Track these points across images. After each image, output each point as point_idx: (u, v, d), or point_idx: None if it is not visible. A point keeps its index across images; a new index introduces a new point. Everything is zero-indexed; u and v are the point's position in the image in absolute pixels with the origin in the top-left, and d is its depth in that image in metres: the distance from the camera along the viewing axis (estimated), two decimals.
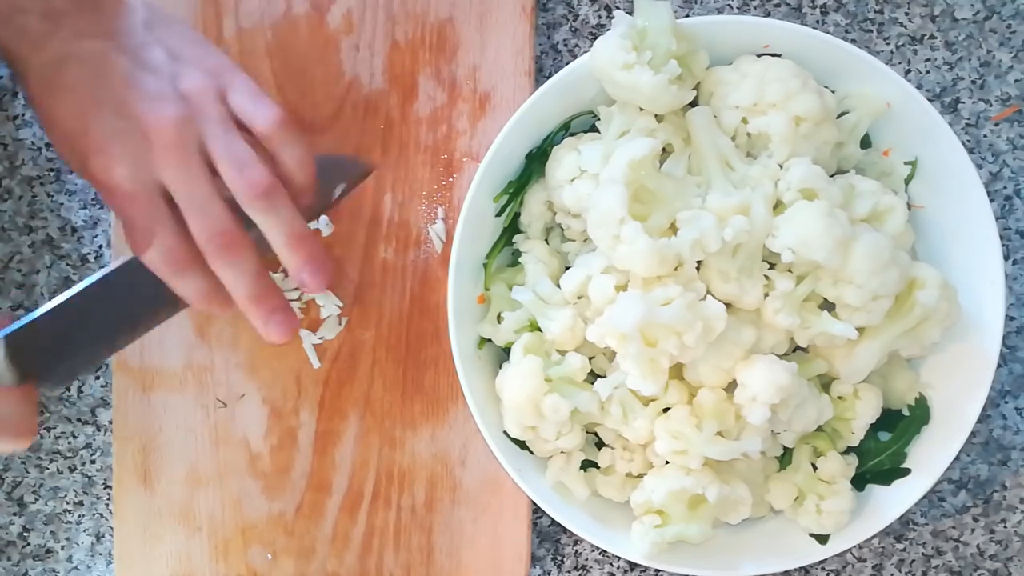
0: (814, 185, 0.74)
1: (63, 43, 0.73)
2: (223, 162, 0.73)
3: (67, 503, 0.92)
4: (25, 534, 0.92)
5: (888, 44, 0.92)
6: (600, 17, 0.93)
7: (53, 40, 0.73)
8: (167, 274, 0.74)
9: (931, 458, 0.80)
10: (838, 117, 0.80)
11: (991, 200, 0.79)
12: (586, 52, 0.79)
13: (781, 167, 0.76)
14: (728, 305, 0.75)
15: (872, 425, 0.81)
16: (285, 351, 0.89)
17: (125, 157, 0.72)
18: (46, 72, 0.74)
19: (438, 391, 0.90)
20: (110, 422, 0.91)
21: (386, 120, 0.91)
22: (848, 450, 0.82)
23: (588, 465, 0.83)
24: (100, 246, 0.92)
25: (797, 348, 0.80)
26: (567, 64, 0.81)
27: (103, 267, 0.91)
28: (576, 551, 0.91)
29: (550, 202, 0.82)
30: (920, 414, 0.81)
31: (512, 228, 0.83)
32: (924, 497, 0.80)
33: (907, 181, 0.82)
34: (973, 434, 0.80)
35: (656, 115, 0.78)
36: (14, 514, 0.92)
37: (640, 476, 0.80)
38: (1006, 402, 0.91)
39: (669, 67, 0.75)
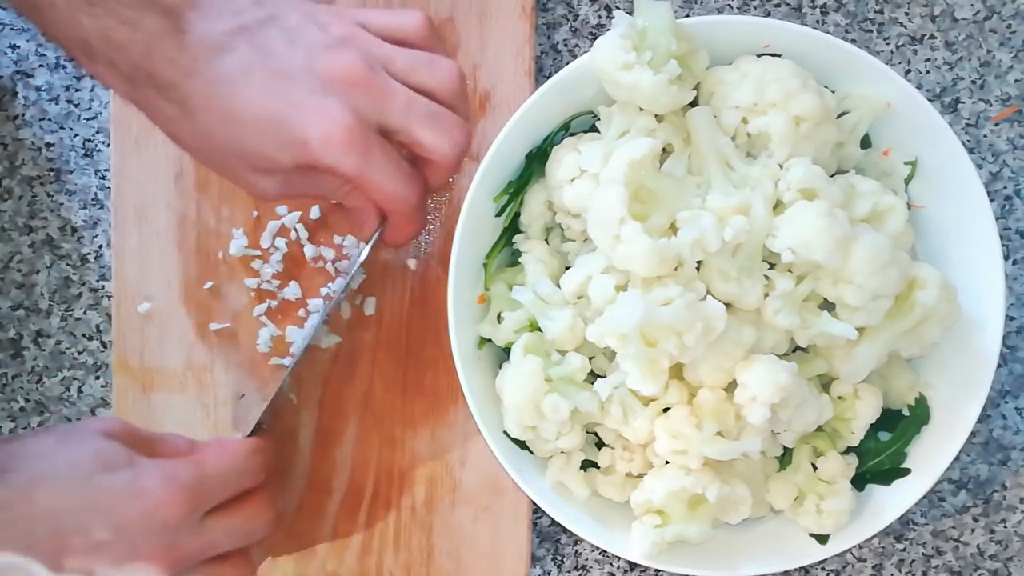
0: (814, 185, 0.74)
1: (205, 42, 0.73)
2: (409, 76, 0.78)
3: None
4: None
5: (888, 44, 0.92)
6: (600, 17, 0.93)
7: (189, 46, 0.73)
8: (415, 206, 0.79)
9: (931, 458, 0.80)
10: (838, 117, 0.80)
11: (991, 200, 0.79)
12: (586, 52, 0.79)
13: (781, 167, 0.76)
14: (728, 305, 0.75)
15: (872, 425, 0.81)
16: (284, 350, 0.89)
17: (343, 107, 0.74)
18: (204, 77, 0.73)
19: (438, 391, 0.90)
20: None
21: None
22: (848, 450, 0.82)
23: (588, 465, 0.83)
24: (100, 246, 0.92)
25: (797, 348, 0.80)
26: (567, 64, 0.81)
27: (103, 267, 0.91)
28: (576, 551, 0.91)
29: (550, 202, 0.82)
30: (920, 414, 0.81)
31: (512, 228, 0.83)
32: (924, 497, 0.80)
33: (907, 181, 0.82)
34: (973, 434, 0.80)
35: (656, 115, 0.78)
36: None
37: (640, 476, 0.80)
38: (1006, 402, 0.91)
39: (669, 67, 0.75)
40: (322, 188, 0.79)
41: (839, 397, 0.80)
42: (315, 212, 0.90)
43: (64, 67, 0.92)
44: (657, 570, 0.90)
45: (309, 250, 0.89)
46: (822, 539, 0.81)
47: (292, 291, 0.90)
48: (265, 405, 0.84)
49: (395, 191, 0.78)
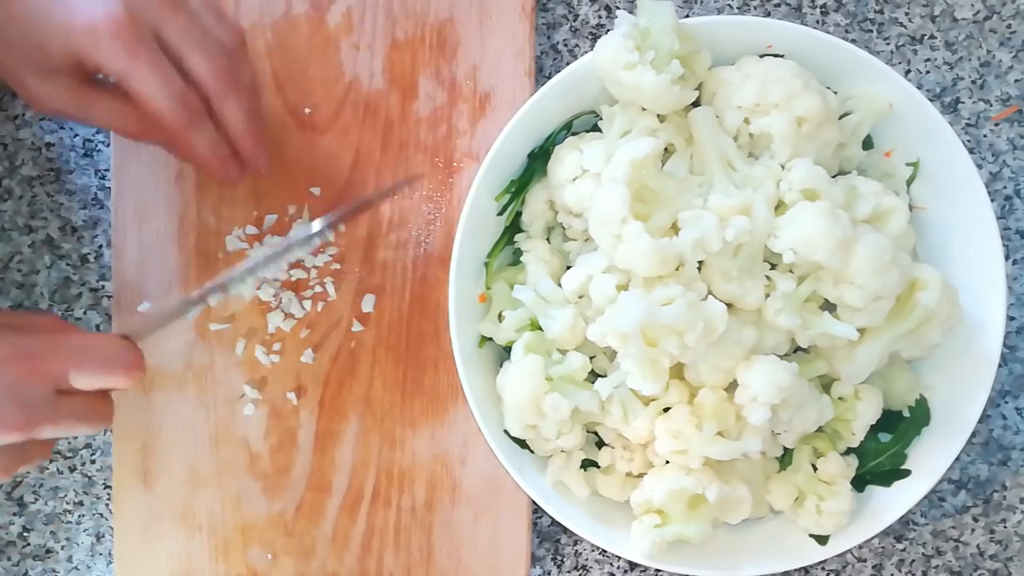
0: (816, 186, 0.74)
1: None
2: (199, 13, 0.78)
3: (67, 503, 0.92)
4: (25, 534, 0.92)
5: (888, 44, 0.92)
6: (600, 17, 0.93)
7: None
8: (184, 124, 0.77)
9: (931, 459, 0.80)
10: (840, 118, 0.80)
11: (991, 200, 0.79)
12: (586, 52, 0.79)
13: (783, 168, 0.76)
14: (729, 305, 0.75)
15: (872, 426, 0.81)
16: (284, 350, 0.89)
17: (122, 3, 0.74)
18: None
19: (438, 391, 0.90)
20: None
21: (386, 120, 0.91)
22: (848, 451, 0.82)
23: (588, 464, 0.83)
24: (100, 246, 0.92)
25: (798, 349, 0.80)
26: (567, 64, 0.81)
27: (103, 267, 0.91)
28: (576, 551, 0.91)
29: (552, 201, 0.82)
30: (920, 415, 0.81)
31: (514, 227, 0.83)
32: (924, 497, 0.80)
33: (909, 182, 0.82)
34: (973, 434, 0.80)
35: (658, 115, 0.78)
36: (14, 514, 0.92)
37: (640, 476, 0.80)
38: (1006, 402, 0.91)
39: (672, 67, 0.75)
40: (100, 108, 0.78)
41: (840, 398, 0.80)
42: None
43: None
44: (657, 570, 0.90)
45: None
46: (822, 540, 0.81)
47: (290, 294, 0.90)
48: (161, 314, 0.83)
49: (161, 103, 0.76)
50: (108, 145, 0.92)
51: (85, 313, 0.91)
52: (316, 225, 0.82)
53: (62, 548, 0.92)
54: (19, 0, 0.74)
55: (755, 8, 0.93)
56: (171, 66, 0.77)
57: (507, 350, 0.82)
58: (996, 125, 0.92)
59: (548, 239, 0.84)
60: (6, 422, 0.73)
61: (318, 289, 0.90)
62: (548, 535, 0.91)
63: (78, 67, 0.76)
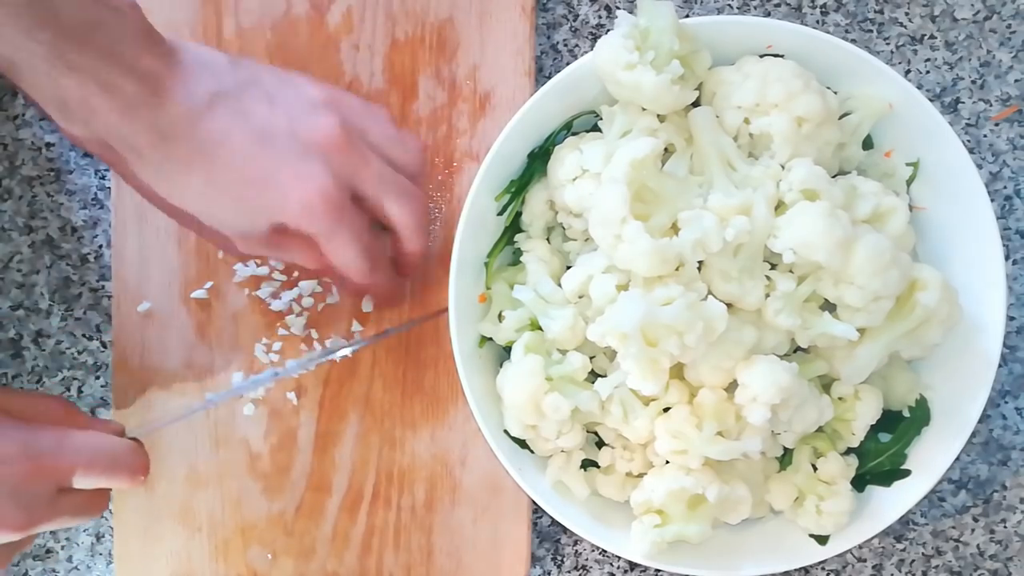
0: (816, 186, 0.74)
1: (184, 106, 0.74)
2: (382, 146, 0.81)
3: None
4: None
5: (888, 44, 0.92)
6: (600, 17, 0.93)
7: (168, 111, 0.73)
8: (369, 272, 0.80)
9: (931, 459, 0.80)
10: (840, 118, 0.80)
11: (991, 200, 0.79)
12: (586, 52, 0.79)
13: (783, 168, 0.76)
14: (729, 305, 0.75)
15: (872, 426, 0.81)
16: (284, 350, 0.89)
17: (325, 171, 0.75)
18: (184, 141, 0.74)
19: (438, 391, 0.90)
20: None
21: None
22: (848, 451, 0.82)
23: (588, 464, 0.83)
24: (100, 246, 0.92)
25: (798, 349, 0.80)
26: (567, 64, 0.81)
27: (103, 267, 0.91)
28: (576, 551, 0.91)
29: (552, 201, 0.82)
30: (920, 415, 0.81)
31: (514, 227, 0.83)
32: (924, 497, 0.80)
33: (909, 182, 0.82)
34: (973, 434, 0.80)
35: (658, 115, 0.78)
36: None
37: (640, 476, 0.80)
38: (1006, 402, 0.91)
39: (672, 67, 0.75)
40: (288, 254, 0.80)
41: (839, 398, 0.80)
42: None
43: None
44: (657, 570, 0.90)
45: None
46: (822, 540, 0.81)
47: (291, 294, 0.90)
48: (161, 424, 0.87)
49: (352, 262, 0.79)
50: None
51: (85, 313, 0.91)
52: (347, 351, 0.88)
53: (62, 548, 0.92)
54: (228, 174, 0.75)
55: (755, 8, 0.93)
56: (365, 224, 0.80)
57: (507, 350, 0.82)
58: (996, 125, 0.92)
59: (548, 239, 0.84)
60: (6, 522, 0.73)
61: (318, 289, 0.90)
62: (548, 535, 0.91)
63: (275, 228, 0.78)
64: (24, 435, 0.75)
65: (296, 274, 0.90)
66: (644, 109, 0.78)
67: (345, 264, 0.80)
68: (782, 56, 0.79)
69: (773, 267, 0.76)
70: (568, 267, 0.82)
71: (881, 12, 0.92)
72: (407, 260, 0.84)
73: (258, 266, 0.89)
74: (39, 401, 0.81)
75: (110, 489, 0.83)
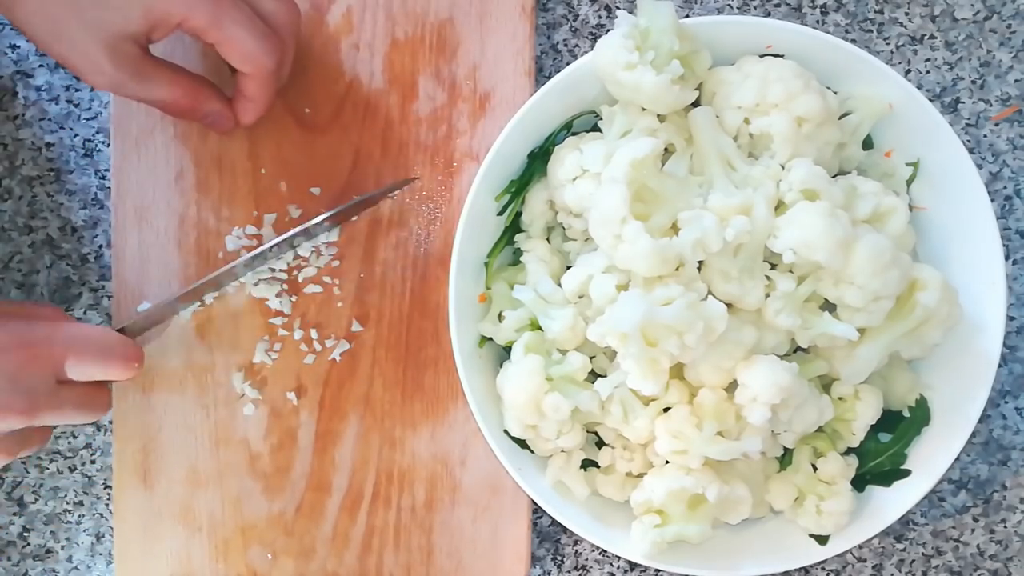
0: (816, 186, 0.74)
1: None
2: None
3: (67, 503, 0.92)
4: (25, 534, 0.92)
5: (888, 44, 0.92)
6: (600, 17, 0.93)
7: None
8: (276, 66, 0.81)
9: (931, 459, 0.80)
10: (840, 118, 0.80)
11: (991, 200, 0.79)
12: (586, 52, 0.79)
13: (783, 168, 0.76)
14: (729, 305, 0.75)
15: (872, 426, 0.81)
16: (284, 350, 0.89)
17: None
18: None
19: (438, 391, 0.90)
20: (110, 422, 0.91)
21: (386, 120, 0.91)
22: (848, 451, 0.82)
23: (588, 464, 0.83)
24: (100, 246, 0.92)
25: (798, 349, 0.80)
26: (567, 64, 0.81)
27: (103, 267, 0.91)
28: (576, 551, 0.91)
29: (552, 201, 0.82)
30: (920, 415, 0.81)
31: (514, 227, 0.84)
32: (924, 497, 0.80)
33: (909, 182, 0.82)
34: (973, 434, 0.81)
35: (658, 115, 0.78)
36: (14, 514, 0.92)
37: (640, 476, 0.80)
38: (1006, 402, 0.91)
39: (672, 67, 0.75)
40: (159, 79, 0.80)
41: (840, 398, 0.80)
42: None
43: (63, 67, 0.91)
44: (657, 570, 0.90)
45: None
46: (822, 540, 0.81)
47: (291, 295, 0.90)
48: (159, 314, 0.86)
49: (254, 47, 0.79)
50: (108, 145, 0.92)
51: (85, 313, 0.91)
52: (307, 223, 0.84)
53: (62, 548, 0.92)
54: None
55: (755, 8, 0.93)
56: (252, 11, 0.79)
57: (507, 350, 0.82)
58: (996, 125, 0.92)
59: (548, 239, 0.84)
60: (9, 408, 0.75)
61: (318, 289, 0.90)
62: (548, 535, 0.91)
63: (150, 31, 0.78)
64: (18, 326, 0.77)
65: (297, 274, 0.90)
66: (644, 109, 0.78)
67: (249, 53, 0.79)
68: (782, 56, 0.80)
69: (773, 267, 0.76)
70: (568, 267, 0.82)
71: (881, 12, 0.92)
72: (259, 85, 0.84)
73: (254, 259, 0.89)
74: (32, 306, 0.83)
75: (109, 389, 0.84)
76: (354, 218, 0.90)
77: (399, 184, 0.89)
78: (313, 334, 0.90)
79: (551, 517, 0.80)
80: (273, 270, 0.90)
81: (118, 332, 0.84)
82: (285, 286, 0.90)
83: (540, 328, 0.80)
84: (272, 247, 0.86)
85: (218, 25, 0.78)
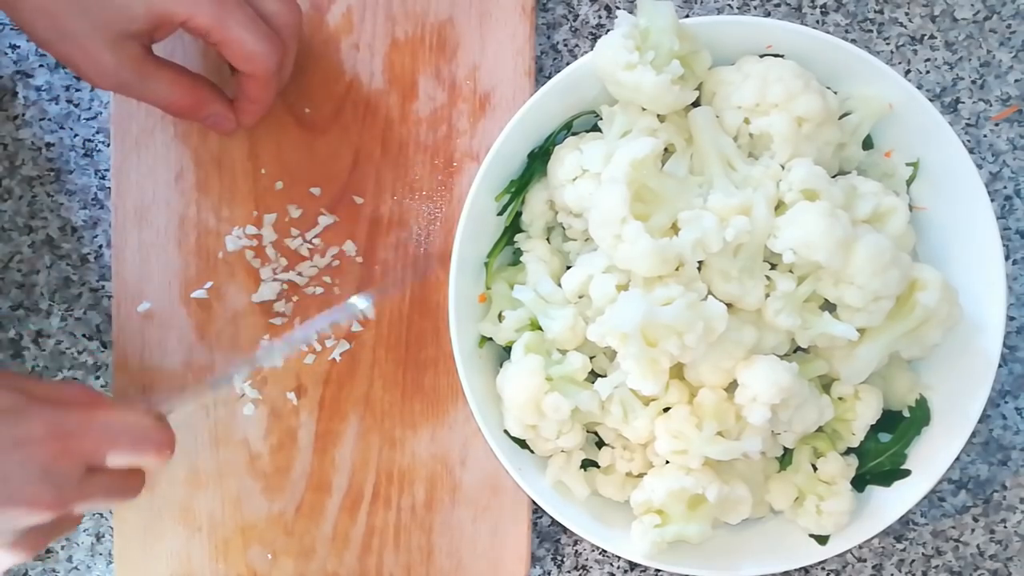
0: (816, 186, 0.74)
1: None
2: None
3: None
4: None
5: (888, 44, 0.92)
6: (600, 17, 0.93)
7: None
8: (276, 67, 0.81)
9: (931, 459, 0.80)
10: (840, 118, 0.80)
11: (991, 200, 0.79)
12: (586, 52, 0.79)
13: (783, 168, 0.76)
14: (729, 305, 0.75)
15: (872, 426, 0.81)
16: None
17: None
18: None
19: (438, 391, 0.90)
20: None
21: (386, 120, 0.91)
22: (848, 451, 0.82)
23: (588, 464, 0.83)
24: (100, 246, 0.92)
25: (798, 349, 0.80)
26: (567, 64, 0.81)
27: (103, 267, 0.91)
28: (576, 551, 0.91)
29: (552, 201, 0.82)
30: (920, 415, 0.81)
31: (514, 227, 0.84)
32: (924, 497, 0.80)
33: (909, 182, 0.82)
34: (973, 434, 0.81)
35: (658, 115, 0.78)
36: None
37: (640, 476, 0.80)
38: (1006, 402, 0.91)
39: (672, 67, 0.75)
40: (160, 78, 0.80)
41: (839, 398, 0.80)
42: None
43: (63, 66, 0.92)
44: (657, 570, 0.90)
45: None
46: (822, 540, 0.81)
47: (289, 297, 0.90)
48: (189, 395, 0.85)
49: (257, 48, 0.79)
50: (108, 145, 0.92)
51: (85, 313, 0.91)
52: (356, 301, 0.86)
53: (62, 548, 0.92)
54: None
55: (755, 8, 0.93)
56: (254, 12, 0.79)
57: (507, 350, 0.82)
58: (996, 125, 0.92)
59: (548, 239, 0.84)
60: (39, 502, 0.73)
61: (319, 290, 0.90)
62: (548, 535, 0.91)
63: (153, 31, 0.78)
64: (51, 415, 0.75)
65: (297, 273, 0.90)
66: (644, 109, 0.78)
67: (251, 53, 0.80)
68: (782, 56, 0.80)
69: (773, 267, 0.76)
70: (568, 267, 0.82)
71: (881, 12, 0.92)
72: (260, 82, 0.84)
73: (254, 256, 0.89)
74: (63, 387, 0.81)
75: (142, 471, 0.82)
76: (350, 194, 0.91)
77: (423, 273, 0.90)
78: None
79: (551, 517, 0.80)
80: (275, 271, 0.90)
81: (156, 414, 0.81)
82: (285, 286, 0.90)
83: (540, 328, 0.80)
84: (306, 331, 0.88)
85: (221, 26, 0.78)
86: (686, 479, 0.76)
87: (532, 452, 0.82)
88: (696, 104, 0.79)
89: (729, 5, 0.93)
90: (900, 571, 0.91)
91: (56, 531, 0.78)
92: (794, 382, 0.74)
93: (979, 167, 0.86)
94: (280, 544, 0.89)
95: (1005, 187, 0.92)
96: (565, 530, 0.91)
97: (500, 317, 0.82)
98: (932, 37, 0.92)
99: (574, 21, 0.93)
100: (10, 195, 0.92)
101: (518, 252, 0.83)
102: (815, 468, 0.81)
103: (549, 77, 0.83)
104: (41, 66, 0.92)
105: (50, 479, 0.73)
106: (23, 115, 0.92)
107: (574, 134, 0.82)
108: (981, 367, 0.80)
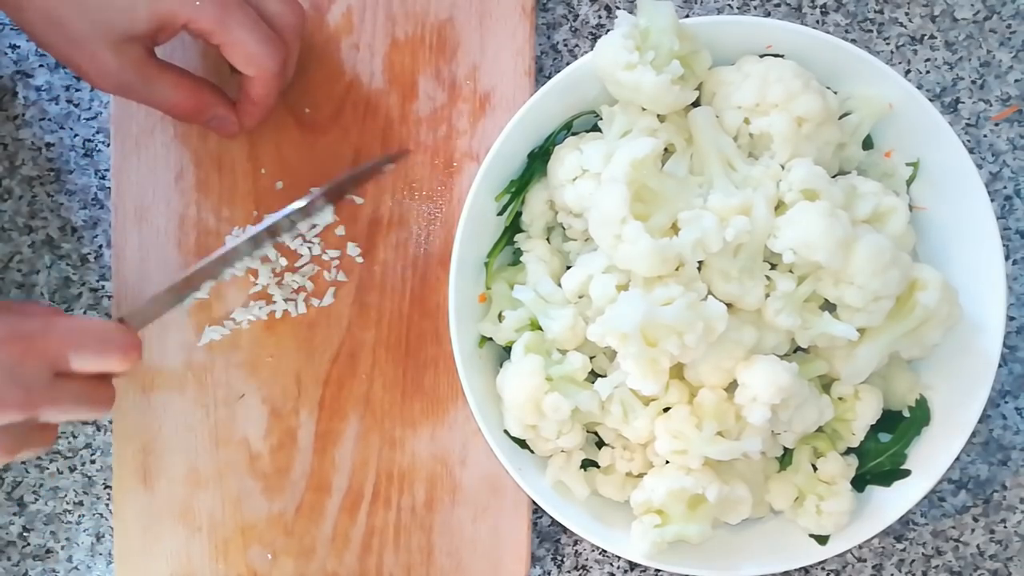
0: (816, 186, 0.74)
1: None
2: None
3: (67, 503, 0.92)
4: (25, 534, 0.92)
5: (888, 44, 0.92)
6: (600, 17, 0.93)
7: None
8: (280, 69, 0.81)
9: (931, 459, 0.80)
10: (840, 118, 0.80)
11: (991, 200, 0.79)
12: (586, 52, 0.79)
13: (783, 168, 0.76)
14: (729, 305, 0.75)
15: (872, 426, 0.81)
16: (285, 351, 0.89)
17: None
18: None
19: (438, 391, 0.90)
20: (110, 422, 0.91)
21: (386, 120, 0.91)
22: (848, 451, 0.82)
23: (588, 464, 0.83)
24: (100, 246, 0.92)
25: (798, 349, 0.80)
26: (567, 64, 0.81)
27: (103, 267, 0.91)
28: (576, 551, 0.91)
29: (552, 201, 0.82)
30: (920, 415, 0.81)
31: (514, 227, 0.84)
32: (924, 497, 0.80)
33: (909, 182, 0.82)
34: (973, 434, 0.80)
35: (658, 115, 0.78)
36: (14, 514, 0.92)
37: (640, 476, 0.80)
38: (1006, 402, 0.91)
39: (672, 67, 0.75)
40: (163, 81, 0.81)
41: (839, 398, 0.80)
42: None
43: (64, 67, 0.92)
44: (657, 570, 0.90)
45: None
46: (822, 540, 0.81)
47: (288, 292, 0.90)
48: (158, 302, 0.83)
49: (259, 50, 0.79)
50: (108, 145, 0.92)
51: (85, 313, 0.91)
52: (302, 201, 0.82)
53: (62, 548, 0.92)
54: None
55: (755, 8, 0.93)
56: (256, 14, 0.80)
57: (507, 350, 0.82)
58: (996, 125, 0.92)
59: (548, 239, 0.84)
60: (5, 401, 0.73)
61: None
62: (548, 535, 0.91)
63: (156, 33, 0.78)
64: (12, 319, 0.76)
65: (297, 270, 0.90)
66: (644, 109, 0.78)
67: (253, 55, 0.80)
68: (782, 56, 0.79)
69: (773, 267, 0.76)
70: (568, 267, 0.82)
71: (881, 12, 0.92)
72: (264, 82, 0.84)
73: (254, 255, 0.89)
74: (23, 301, 0.81)
75: (111, 383, 0.81)
76: (349, 196, 0.90)
77: (392, 158, 0.88)
78: None
79: (551, 517, 0.80)
80: (275, 271, 0.90)
81: (117, 323, 0.81)
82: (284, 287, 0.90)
83: (540, 328, 0.80)
84: (269, 227, 0.84)
85: (224, 28, 0.78)
86: (686, 479, 0.76)
87: (532, 452, 0.82)
88: (696, 104, 0.79)
89: (729, 5, 0.93)
90: (900, 571, 0.91)
91: (29, 442, 0.77)
92: (794, 382, 0.74)
93: (979, 167, 0.86)
94: (280, 544, 0.89)
95: (1005, 187, 0.92)
96: (565, 530, 0.91)
97: (500, 317, 0.82)
98: (932, 37, 0.92)
99: (574, 21, 0.93)
100: (10, 195, 0.92)
101: (518, 252, 0.83)
102: (815, 468, 0.81)
103: (549, 77, 0.83)
104: (41, 66, 0.92)
105: (15, 379, 0.73)
106: (23, 115, 0.92)
107: (574, 134, 0.82)
108: (981, 367, 0.80)
